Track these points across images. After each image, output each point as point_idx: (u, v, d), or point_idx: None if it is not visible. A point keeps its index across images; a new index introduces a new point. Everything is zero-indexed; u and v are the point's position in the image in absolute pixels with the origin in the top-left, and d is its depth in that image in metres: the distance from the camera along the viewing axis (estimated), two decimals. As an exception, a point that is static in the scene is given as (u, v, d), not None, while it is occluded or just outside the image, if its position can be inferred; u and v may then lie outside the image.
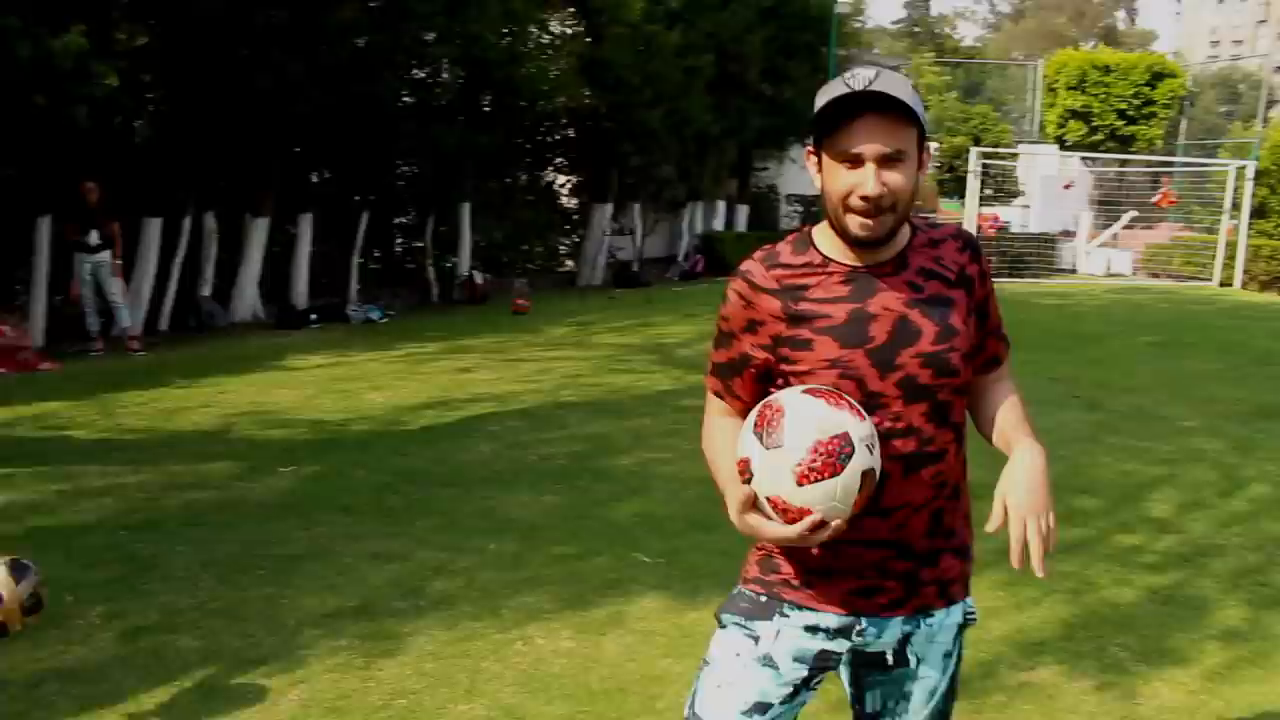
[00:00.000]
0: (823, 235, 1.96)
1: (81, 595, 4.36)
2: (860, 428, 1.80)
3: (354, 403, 8.32)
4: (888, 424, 1.91)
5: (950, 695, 2.13)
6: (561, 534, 5.17)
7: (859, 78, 1.81)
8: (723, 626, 2.09)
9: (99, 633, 4.04)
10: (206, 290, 13.63)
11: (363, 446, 6.91)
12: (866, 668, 2.08)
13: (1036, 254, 21.48)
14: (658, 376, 9.49)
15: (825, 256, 1.94)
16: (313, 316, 14.00)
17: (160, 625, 4.10)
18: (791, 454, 1.77)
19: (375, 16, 12.79)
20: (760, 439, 1.81)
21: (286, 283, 14.59)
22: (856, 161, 1.82)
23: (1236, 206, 20.33)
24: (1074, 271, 22.43)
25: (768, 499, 1.79)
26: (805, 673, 2.03)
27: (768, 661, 2.01)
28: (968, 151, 20.65)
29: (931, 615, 2.04)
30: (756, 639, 2.02)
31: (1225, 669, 3.93)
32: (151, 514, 5.50)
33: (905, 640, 2.04)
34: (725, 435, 2.00)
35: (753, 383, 2.02)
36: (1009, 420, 2.03)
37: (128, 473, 6.26)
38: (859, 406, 1.84)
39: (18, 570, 3.11)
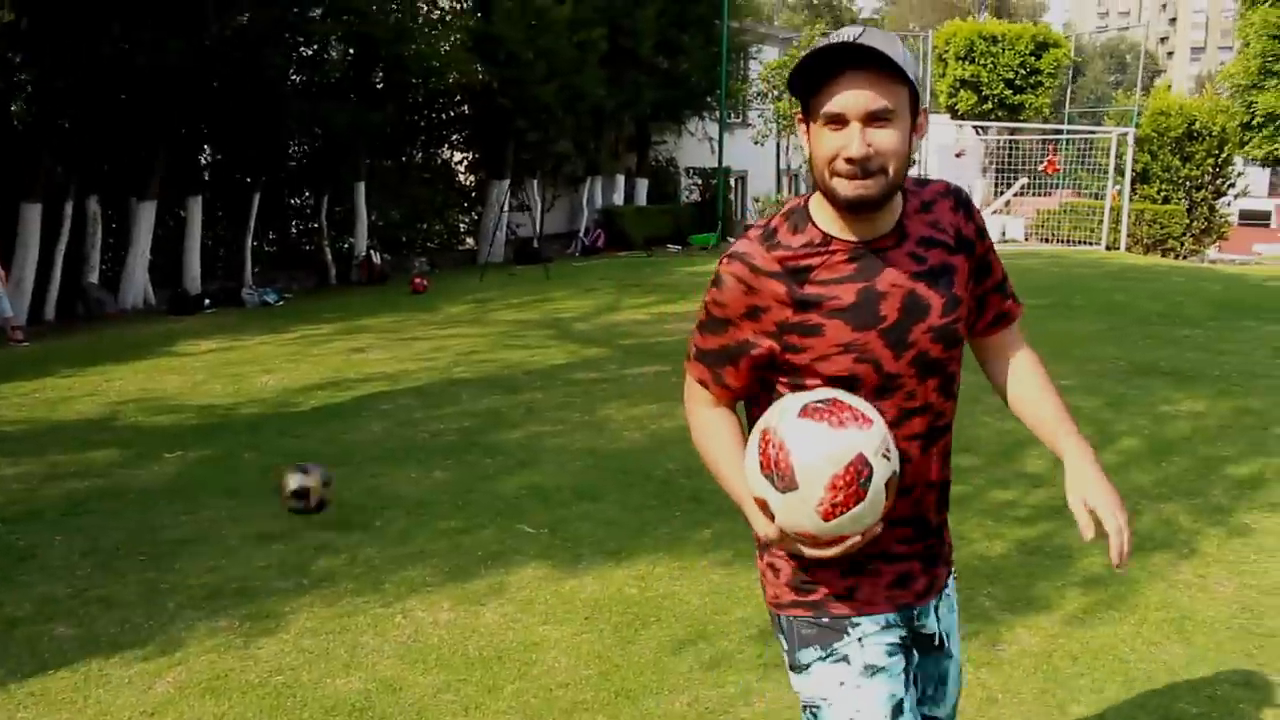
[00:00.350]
0: (819, 209, 1.82)
1: (-46, 590, 4.30)
2: (871, 438, 1.71)
3: (244, 386, 8.24)
4: (904, 404, 1.85)
5: (961, 669, 2.15)
6: (448, 509, 5.22)
7: (842, 33, 1.71)
8: (807, 669, 1.93)
9: (-28, 625, 3.99)
10: (93, 277, 13.34)
11: (251, 429, 6.87)
12: (924, 652, 2.03)
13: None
14: (553, 351, 9.55)
15: (825, 234, 1.81)
16: (206, 301, 13.80)
17: (36, 615, 4.06)
18: (810, 495, 1.68)
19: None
20: (772, 482, 1.71)
21: (179, 268, 14.33)
22: (841, 122, 1.70)
23: (1120, 173, 21.01)
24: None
25: (795, 534, 1.74)
26: (903, 659, 1.94)
27: (872, 670, 1.91)
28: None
29: (947, 587, 2.05)
30: (847, 659, 1.91)
31: (1083, 613, 4.12)
32: (31, 505, 5.42)
33: (939, 621, 2.03)
34: (720, 433, 1.93)
35: (749, 371, 1.89)
36: (1044, 400, 1.97)
37: (6, 464, 6.15)
38: (862, 409, 1.74)
39: (304, 468, 4.82)
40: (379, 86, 15.52)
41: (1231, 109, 22.98)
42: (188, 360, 9.52)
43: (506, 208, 18.63)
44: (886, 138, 1.69)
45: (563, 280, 15.18)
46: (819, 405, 1.72)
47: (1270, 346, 9.90)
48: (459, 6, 17.21)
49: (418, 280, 14.81)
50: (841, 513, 1.68)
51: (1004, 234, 23.16)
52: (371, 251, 16.62)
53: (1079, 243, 21.67)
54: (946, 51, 23.28)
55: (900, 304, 1.81)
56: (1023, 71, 22.81)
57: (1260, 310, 12.34)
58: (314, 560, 4.56)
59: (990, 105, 23.07)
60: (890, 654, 1.92)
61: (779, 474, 1.69)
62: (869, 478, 1.68)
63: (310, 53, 14.93)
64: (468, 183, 19.67)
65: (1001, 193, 23.82)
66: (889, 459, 1.72)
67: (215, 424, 7.04)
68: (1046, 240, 22.49)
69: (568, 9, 17.38)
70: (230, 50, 12.36)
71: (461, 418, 7.05)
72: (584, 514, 5.12)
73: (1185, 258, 21.08)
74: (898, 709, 1.88)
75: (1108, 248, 20.81)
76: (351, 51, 15.31)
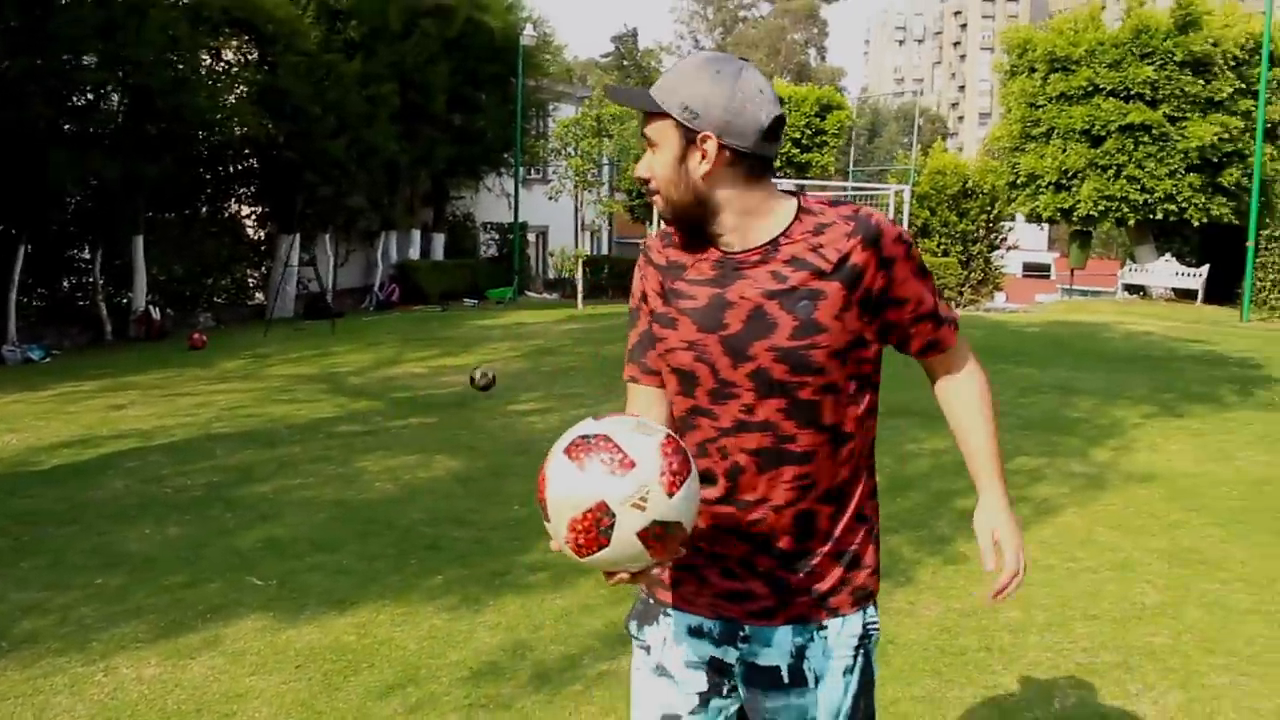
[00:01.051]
0: None
1: None
2: (622, 486, 1.68)
3: (-18, 447, 7.81)
4: (740, 415, 1.88)
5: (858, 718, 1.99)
6: (175, 564, 5.08)
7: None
8: (630, 636, 2.05)
9: None
10: None
11: (-21, 491, 6.52)
12: (763, 688, 1.95)
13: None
14: (321, 404, 9.41)
15: (709, 242, 1.91)
16: (-40, 359, 13.03)
17: None
18: (558, 530, 1.71)
19: (17, 38, 12.06)
20: (540, 508, 1.75)
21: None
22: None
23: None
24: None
25: None
26: (705, 682, 1.96)
27: (661, 671, 1.97)
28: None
29: (824, 627, 1.94)
30: (648, 649, 1.99)
31: None
32: None
33: (800, 655, 1.93)
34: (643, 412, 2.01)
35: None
36: (971, 434, 2.05)
37: None
38: (630, 452, 1.70)
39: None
40: (156, 138, 15.05)
41: (999, 169, 24.62)
42: (-74, 421, 8.96)
43: (295, 262, 18.30)
44: (653, 162, 1.87)
45: (349, 335, 14.97)
46: (581, 440, 1.72)
47: (1017, 387, 10.57)
48: (244, 59, 16.91)
49: (196, 336, 14.36)
50: (589, 553, 1.69)
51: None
52: (151, 307, 16.03)
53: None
54: (737, 112, 24.22)
55: (745, 317, 1.86)
56: (809, 131, 23.88)
57: (1016, 354, 13.14)
58: (19, 622, 4.36)
59: (779, 163, 24.04)
60: (689, 667, 1.96)
61: (539, 500, 1.74)
62: (610, 527, 1.66)
63: (83, 102, 14.37)
64: (257, 237, 19.24)
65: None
66: (645, 510, 1.68)
67: (-61, 486, 6.65)
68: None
69: (357, 64, 17.32)
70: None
71: (211, 473, 6.87)
72: (317, 565, 5.06)
73: (964, 307, 22.32)
74: None
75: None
76: (127, 101, 14.82)
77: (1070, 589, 4.92)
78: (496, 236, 25.00)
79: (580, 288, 21.65)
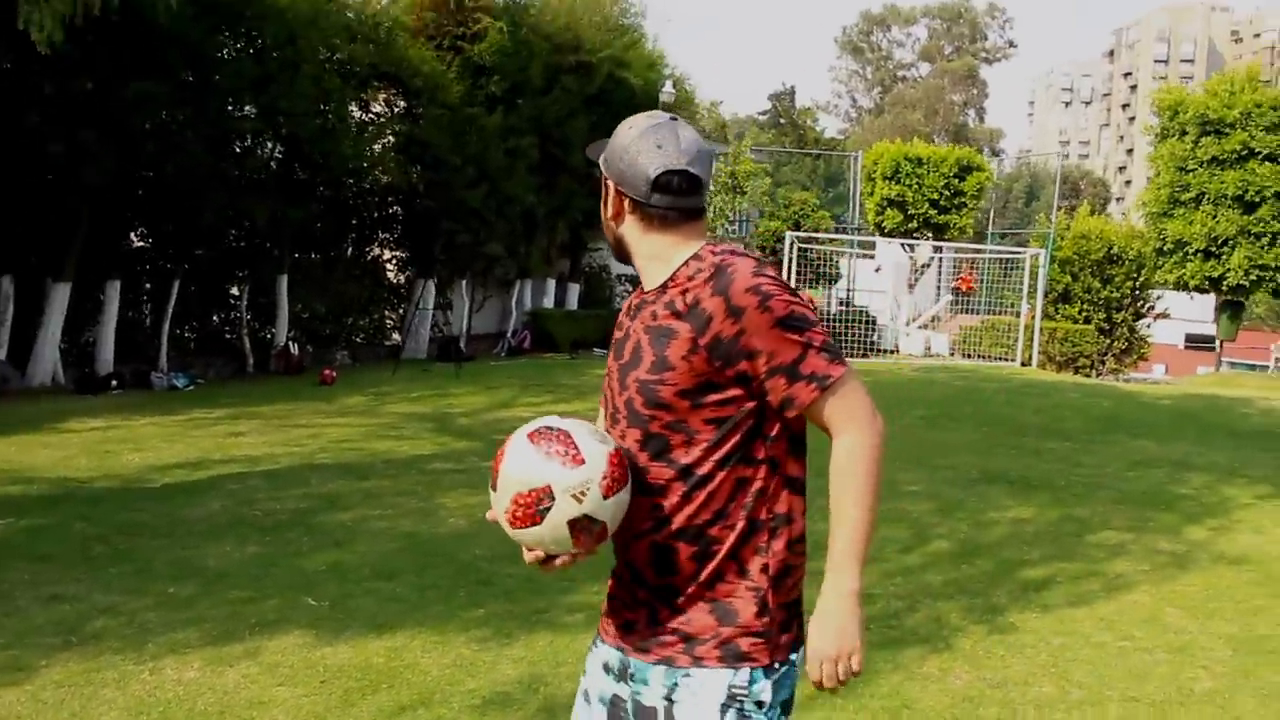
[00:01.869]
0: None
1: None
2: (568, 477, 1.86)
3: (108, 463, 8.44)
4: (620, 440, 2.01)
5: None
6: (244, 580, 5.44)
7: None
8: None
9: None
10: (1, 354, 13.51)
11: (93, 502, 7.07)
12: None
13: (858, 334, 22.53)
14: (424, 442, 9.81)
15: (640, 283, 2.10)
16: (114, 383, 13.97)
17: None
18: (501, 500, 1.93)
19: (180, 89, 13.03)
20: (491, 476, 1.97)
21: (94, 347, 14.56)
22: None
23: (1034, 291, 21.74)
24: (895, 351, 23.55)
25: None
26: (604, 717, 2.06)
27: (585, 697, 2.11)
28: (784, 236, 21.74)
29: (689, 675, 1.95)
30: (586, 672, 2.14)
31: (807, 699, 4.27)
32: None
33: (671, 699, 1.96)
34: None
35: None
36: (833, 512, 1.96)
37: None
38: (583, 450, 1.88)
39: None
40: (303, 183, 15.94)
41: (1146, 235, 23.89)
42: (68, 436, 9.70)
43: (430, 305, 18.99)
44: (606, 210, 2.08)
45: (472, 378, 15.48)
46: (545, 430, 1.93)
47: (1127, 460, 10.29)
48: (390, 111, 17.80)
49: (327, 372, 15.08)
50: (521, 527, 1.90)
51: (929, 348, 23.77)
52: (291, 342, 16.88)
53: (997, 359, 22.25)
54: (875, 171, 24.16)
55: (631, 349, 2.03)
56: (947, 193, 23.66)
57: (1138, 426, 12.76)
58: (91, 621, 4.77)
59: (916, 224, 23.85)
60: (600, 701, 2.08)
61: (492, 470, 1.96)
62: (548, 509, 1.87)
63: (239, 149, 15.36)
64: (397, 280, 20.05)
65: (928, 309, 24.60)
66: (583, 503, 1.87)
67: (61, 495, 7.24)
68: (968, 355, 23.08)
69: (498, 118, 18.00)
70: (145, 142, 12.79)
71: (300, 499, 7.28)
72: (373, 590, 5.34)
73: (1102, 376, 21.65)
74: None
75: (1022, 364, 21.37)
76: (280, 149, 15.78)
77: (1117, 668, 4.81)
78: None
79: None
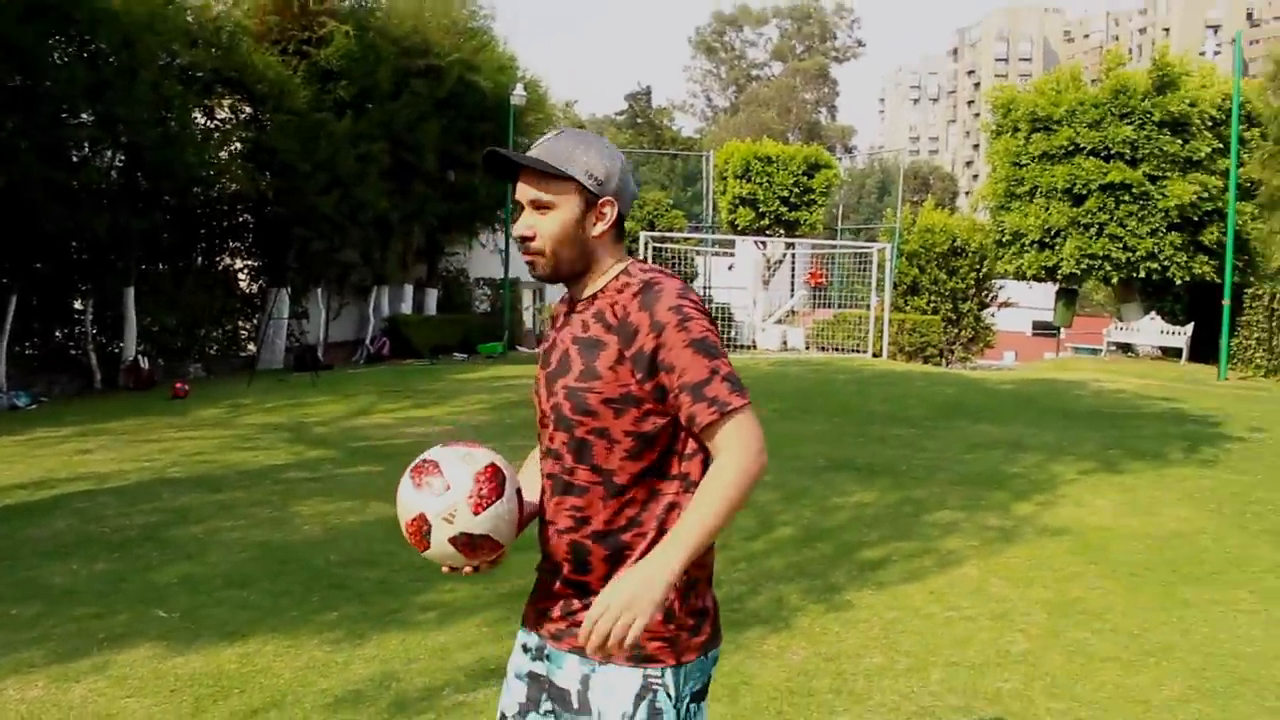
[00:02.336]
0: None
1: None
2: (436, 503, 2.08)
3: (-57, 487, 8.17)
4: (547, 443, 2.17)
5: None
6: (91, 597, 5.39)
7: (541, 140, 2.14)
8: None
9: None
10: None
11: (-74, 528, 6.86)
12: (561, 706, 2.13)
13: (716, 331, 22.98)
14: (278, 452, 9.74)
15: (571, 294, 2.22)
16: (-53, 404, 13.42)
17: None
18: (402, 529, 2.16)
19: (8, 95, 12.58)
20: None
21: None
22: (520, 207, 2.14)
23: (882, 284, 22.56)
24: (753, 347, 24.10)
25: None
26: (524, 695, 2.20)
27: (508, 675, 2.26)
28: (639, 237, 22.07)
29: (609, 664, 2.05)
30: (511, 654, 2.29)
31: None
32: None
33: (586, 685, 2.08)
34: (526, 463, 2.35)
35: None
36: (689, 508, 2.00)
37: None
38: (449, 475, 2.09)
39: None
40: (146, 193, 15.53)
41: (987, 228, 24.98)
42: (-103, 462, 9.33)
43: (284, 314, 18.71)
44: (543, 223, 2.10)
45: (330, 387, 15.33)
46: (421, 464, 2.15)
47: (967, 443, 10.82)
48: (236, 118, 17.46)
49: (178, 385, 14.74)
50: (421, 550, 2.13)
51: (785, 343, 24.42)
52: (140, 356, 16.42)
53: (850, 351, 23.01)
54: (726, 170, 24.69)
55: (558, 358, 2.15)
56: (796, 190, 24.33)
57: (978, 410, 13.38)
58: (-72, 646, 4.69)
59: (768, 220, 24.46)
60: (517, 678, 2.22)
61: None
62: (429, 532, 2.10)
63: (77, 157, 14.88)
64: (250, 290, 19.68)
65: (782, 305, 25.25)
66: (453, 523, 2.07)
67: (-110, 523, 7.00)
68: (824, 349, 23.78)
69: (347, 123, 17.83)
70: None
71: (151, 514, 7.18)
72: (225, 599, 5.36)
73: (951, 365, 22.55)
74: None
75: (873, 355, 22.14)
76: (120, 157, 15.34)
77: (942, 637, 5.13)
78: (489, 292, 25.44)
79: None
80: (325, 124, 17.32)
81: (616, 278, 2.14)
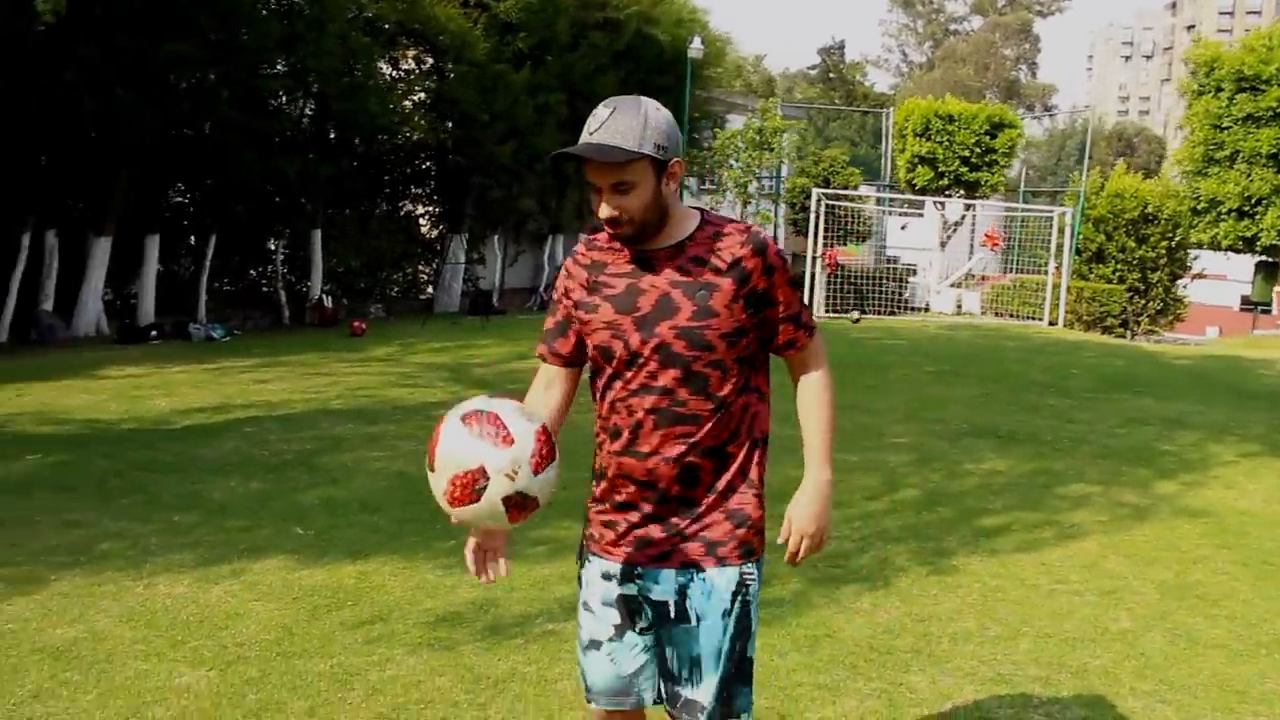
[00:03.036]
0: None
1: None
2: (500, 457, 2.06)
3: (136, 407, 9.01)
4: (645, 381, 2.32)
5: (737, 663, 2.38)
6: (243, 512, 5.95)
7: (587, 127, 2.23)
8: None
9: None
10: (48, 305, 14.17)
11: (117, 441, 7.63)
12: (660, 619, 2.39)
13: (890, 292, 22.67)
14: (436, 390, 10.29)
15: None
16: (154, 333, 14.60)
17: None
18: (439, 481, 2.10)
19: (211, 49, 13.50)
20: (428, 458, 2.15)
21: (135, 299, 15.22)
22: (598, 190, 2.26)
23: (1062, 250, 21.77)
24: (926, 309, 23.67)
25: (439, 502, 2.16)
26: (617, 616, 2.41)
27: (586, 606, 2.47)
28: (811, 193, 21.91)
29: (704, 572, 2.34)
30: (581, 582, 2.49)
31: None
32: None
33: (683, 594, 2.35)
34: (533, 394, 2.51)
35: (576, 338, 2.45)
36: (808, 425, 2.44)
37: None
38: (512, 430, 2.10)
39: None
40: (334, 141, 16.41)
41: (1181, 194, 23.75)
42: (104, 382, 10.30)
43: (461, 260, 19.46)
44: (627, 200, 2.25)
45: (499, 331, 15.94)
46: (477, 413, 2.11)
47: (1121, 417, 10.48)
48: (419, 69, 18.17)
49: (356, 324, 15.63)
50: (460, 505, 2.08)
51: (960, 306, 23.87)
52: (325, 295, 17.44)
53: (1027, 318, 22.34)
54: (906, 128, 24.20)
55: (655, 301, 2.31)
56: (978, 150, 23.66)
57: (1145, 385, 12.88)
58: (100, 543, 5.31)
59: (947, 181, 23.88)
60: (604, 603, 2.42)
61: (428, 453, 2.14)
62: (483, 487, 2.06)
63: (272, 106, 15.85)
64: (430, 235, 20.52)
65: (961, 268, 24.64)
66: (514, 480, 2.07)
67: (88, 435, 7.81)
68: (999, 314, 23.15)
69: (525, 74, 18.31)
70: (180, 101, 13.31)
71: (308, 441, 7.78)
72: (356, 522, 5.83)
73: (1137, 337, 21.66)
74: (592, 646, 2.46)
75: (1049, 323, 21.46)
76: (312, 106, 16.24)
77: (1041, 608, 5.04)
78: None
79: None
80: (504, 75, 17.83)
81: (702, 227, 2.35)
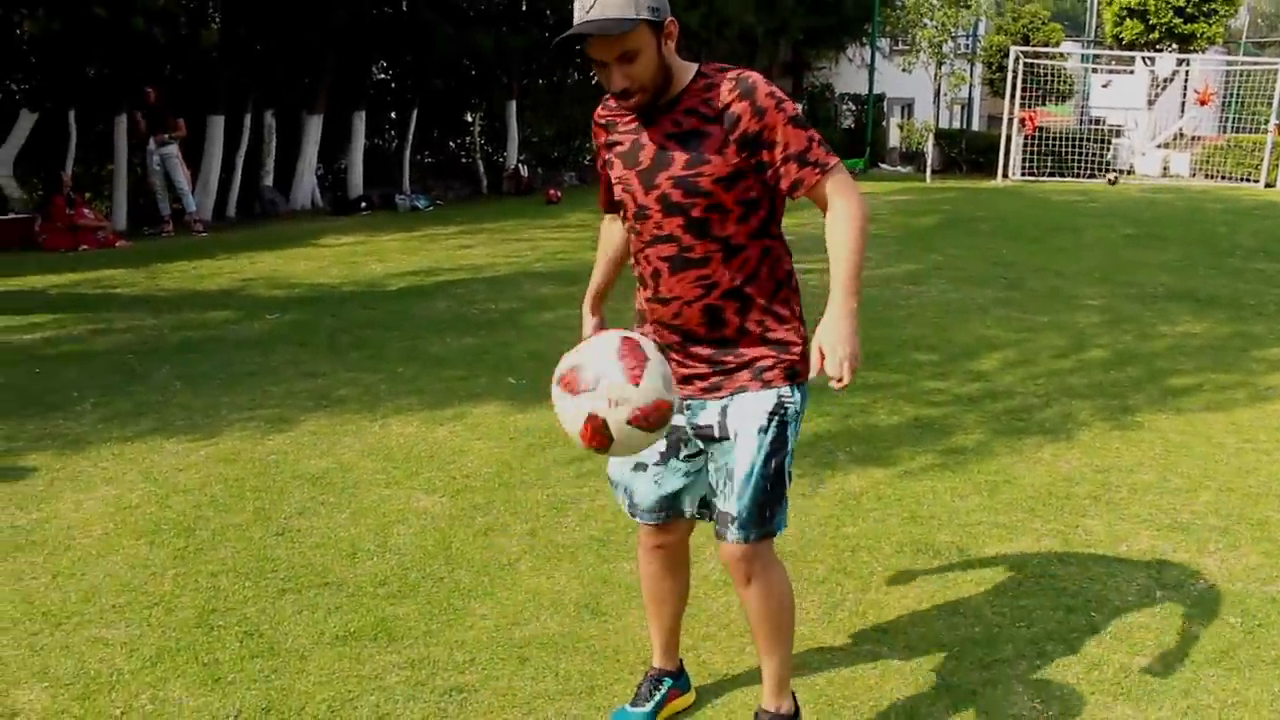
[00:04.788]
0: None
1: (83, 392, 5.91)
2: (595, 399, 2.19)
3: (355, 271, 9.75)
4: (654, 231, 2.44)
5: (769, 478, 2.47)
6: (459, 363, 6.52)
7: (581, 6, 2.23)
8: None
9: (87, 414, 5.56)
10: (268, 180, 15.20)
11: (340, 302, 8.36)
12: (706, 440, 2.52)
13: (1091, 153, 21.77)
14: (628, 254, 10.69)
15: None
16: (363, 205, 15.50)
17: (131, 412, 5.60)
18: (576, 441, 2.28)
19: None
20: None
21: (345, 173, 16.15)
22: (603, 64, 2.30)
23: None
24: (1130, 172, 22.64)
25: None
26: (663, 444, 2.56)
27: None
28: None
29: (745, 392, 2.45)
30: None
31: (920, 470, 4.85)
32: (155, 345, 7.03)
33: (725, 414, 2.46)
34: (600, 244, 2.89)
35: (608, 188, 2.63)
36: (834, 257, 2.34)
37: (148, 316, 7.84)
38: (584, 379, 2.22)
39: None
40: (526, 12, 16.73)
41: None
42: (323, 250, 11.13)
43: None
44: (635, 69, 2.29)
45: (686, 196, 16.18)
46: (566, 374, 2.26)
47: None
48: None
49: (552, 192, 16.17)
50: (605, 449, 2.25)
51: (1167, 169, 22.73)
52: (520, 165, 18.01)
53: (1242, 179, 21.14)
54: (1112, -21, 22.83)
55: (653, 154, 2.40)
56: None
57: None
58: (337, 390, 5.95)
59: (1158, 34, 22.49)
60: None
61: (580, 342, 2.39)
62: (605, 425, 2.19)
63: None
64: (621, 104, 20.71)
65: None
66: (623, 403, 2.18)
67: (315, 297, 8.57)
68: (1210, 176, 21.96)
69: (713, -63, 18.15)
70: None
71: (514, 300, 8.33)
72: (562, 374, 6.30)
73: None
74: (639, 468, 2.62)
75: (1266, 185, 20.27)
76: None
77: (1226, 465, 5.03)
78: (853, 108, 25.24)
79: (929, 161, 21.71)
80: (691, -61, 17.71)
81: (696, 79, 2.37)
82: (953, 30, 20.75)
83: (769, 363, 2.46)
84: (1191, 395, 6.27)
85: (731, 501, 2.48)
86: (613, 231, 2.87)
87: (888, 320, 7.84)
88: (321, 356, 6.72)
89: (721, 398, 2.48)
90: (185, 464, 4.82)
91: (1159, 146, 23.44)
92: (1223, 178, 21.57)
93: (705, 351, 2.49)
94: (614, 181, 2.54)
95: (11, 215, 12.57)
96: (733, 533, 2.51)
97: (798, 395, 2.49)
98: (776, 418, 2.45)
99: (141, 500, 4.39)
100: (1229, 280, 9.99)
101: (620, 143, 2.49)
